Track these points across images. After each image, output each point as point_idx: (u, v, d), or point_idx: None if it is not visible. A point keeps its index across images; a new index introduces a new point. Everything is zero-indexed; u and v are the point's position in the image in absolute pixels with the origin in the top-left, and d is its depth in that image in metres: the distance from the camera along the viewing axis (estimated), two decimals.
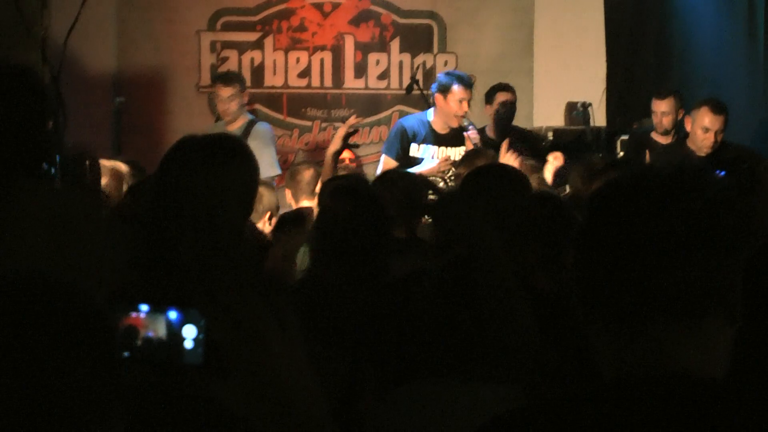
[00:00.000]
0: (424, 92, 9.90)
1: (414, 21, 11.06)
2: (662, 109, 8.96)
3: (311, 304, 3.80)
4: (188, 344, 1.68)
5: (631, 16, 11.01)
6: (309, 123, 11.05)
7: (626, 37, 11.01)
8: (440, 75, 9.02)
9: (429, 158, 8.51)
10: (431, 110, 8.71)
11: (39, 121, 3.63)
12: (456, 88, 8.57)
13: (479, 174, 4.37)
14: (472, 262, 3.20)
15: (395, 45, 11.05)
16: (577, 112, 10.31)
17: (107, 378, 1.50)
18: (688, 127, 8.31)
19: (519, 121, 9.46)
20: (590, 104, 10.24)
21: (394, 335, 3.76)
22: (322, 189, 5.48)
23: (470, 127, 8.49)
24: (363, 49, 11.00)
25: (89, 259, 3.46)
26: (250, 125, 9.08)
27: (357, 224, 4.07)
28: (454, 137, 8.58)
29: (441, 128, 8.60)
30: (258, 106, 10.88)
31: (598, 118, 10.45)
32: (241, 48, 10.94)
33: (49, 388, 1.44)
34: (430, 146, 8.56)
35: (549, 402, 1.69)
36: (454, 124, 8.51)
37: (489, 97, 9.44)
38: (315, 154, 10.63)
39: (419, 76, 10.30)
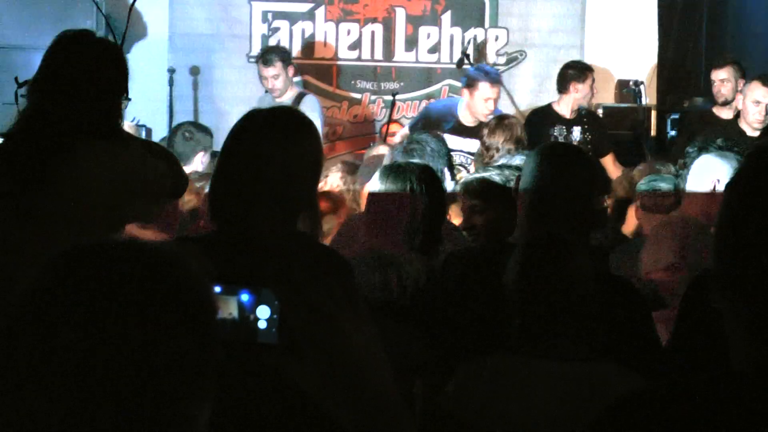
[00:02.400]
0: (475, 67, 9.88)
1: None
2: (721, 76, 8.90)
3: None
4: (262, 324, 1.69)
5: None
6: (358, 95, 11.05)
7: (679, 14, 10.93)
8: (470, 69, 8.91)
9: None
10: (462, 101, 8.65)
11: (123, 91, 3.85)
12: (482, 85, 8.42)
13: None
14: (555, 241, 3.22)
15: (446, 18, 11.01)
16: (627, 89, 10.26)
17: (209, 351, 1.49)
18: (739, 105, 8.30)
19: None
20: (642, 82, 10.20)
21: (468, 310, 3.78)
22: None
23: None
24: (414, 22, 10.97)
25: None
26: (299, 97, 9.09)
27: (420, 202, 4.08)
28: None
29: (467, 120, 8.48)
30: (307, 77, 10.88)
31: (649, 96, 10.39)
32: (293, 18, 10.94)
33: (157, 362, 1.43)
34: (452, 136, 8.37)
35: (678, 385, 1.63)
36: (483, 119, 8.28)
37: (581, 75, 9.09)
38: (363, 126, 10.66)
39: (470, 51, 10.29)
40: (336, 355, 1.56)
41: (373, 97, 11.01)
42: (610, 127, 9.30)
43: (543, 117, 8.92)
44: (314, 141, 3.16)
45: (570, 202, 3.74)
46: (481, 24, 11.01)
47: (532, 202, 3.76)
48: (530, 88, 10.76)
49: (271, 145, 3.03)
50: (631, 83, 10.20)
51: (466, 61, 9.64)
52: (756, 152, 1.67)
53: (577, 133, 8.74)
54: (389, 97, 10.13)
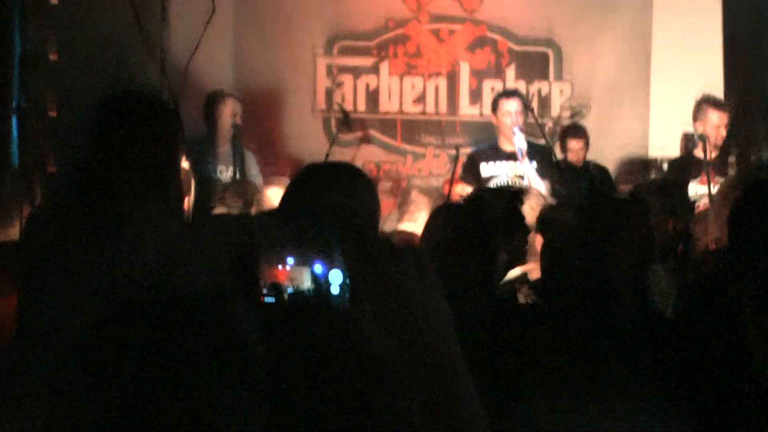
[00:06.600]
0: (539, 120, 9.86)
1: (530, 48, 11.01)
2: None
3: None
4: (335, 290, 1.66)
5: (750, 48, 10.84)
6: (423, 149, 11.05)
7: (744, 68, 10.84)
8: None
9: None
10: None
11: (175, 152, 3.77)
12: (501, 102, 8.89)
13: None
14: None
15: (511, 72, 11.01)
16: (693, 143, 10.17)
17: (247, 378, 1.49)
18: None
19: (634, 150, 9.36)
20: (706, 136, 10.10)
21: None
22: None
23: (520, 147, 8.54)
24: (478, 75, 10.98)
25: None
26: None
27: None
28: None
29: (505, 146, 8.80)
30: (372, 132, 10.92)
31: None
32: (357, 72, 10.99)
33: (195, 399, 1.44)
34: (498, 162, 8.57)
35: None
36: (511, 144, 8.69)
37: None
38: (427, 180, 10.64)
39: (534, 104, 10.27)
40: (401, 317, 1.53)
41: (437, 151, 11.00)
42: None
43: None
44: (372, 195, 3.16)
45: None
46: (545, 77, 11.01)
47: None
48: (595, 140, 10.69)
49: (330, 199, 3.03)
50: (696, 136, 10.11)
51: (530, 115, 9.60)
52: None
53: None
54: (453, 152, 10.11)
